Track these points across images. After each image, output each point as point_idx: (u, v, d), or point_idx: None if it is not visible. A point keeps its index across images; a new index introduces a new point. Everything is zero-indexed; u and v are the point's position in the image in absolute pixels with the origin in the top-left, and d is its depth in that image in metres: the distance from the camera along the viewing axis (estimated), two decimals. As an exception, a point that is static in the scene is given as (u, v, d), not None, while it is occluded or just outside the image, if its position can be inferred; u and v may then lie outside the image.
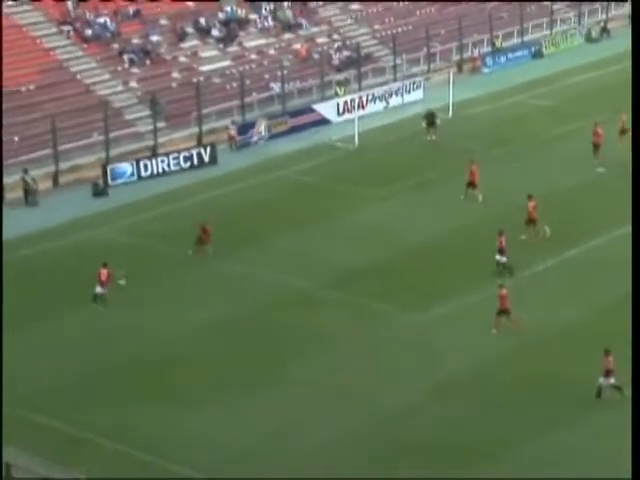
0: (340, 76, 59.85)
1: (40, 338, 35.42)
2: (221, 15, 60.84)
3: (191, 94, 53.90)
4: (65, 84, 53.77)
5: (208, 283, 39.12)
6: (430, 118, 53.42)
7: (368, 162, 50.88)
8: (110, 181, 48.54)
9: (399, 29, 64.77)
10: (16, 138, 49.36)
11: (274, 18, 62.27)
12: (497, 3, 69.49)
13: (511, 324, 34.78)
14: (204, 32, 59.48)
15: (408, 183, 47.82)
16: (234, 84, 56.29)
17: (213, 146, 51.49)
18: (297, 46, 60.95)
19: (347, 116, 55.84)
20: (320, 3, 65.02)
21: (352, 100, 56.90)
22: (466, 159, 46.50)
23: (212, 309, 37.09)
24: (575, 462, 28.76)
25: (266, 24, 61.69)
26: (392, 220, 44.27)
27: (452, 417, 30.90)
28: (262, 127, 53.90)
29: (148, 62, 56.67)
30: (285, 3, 63.34)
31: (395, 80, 60.52)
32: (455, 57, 64.88)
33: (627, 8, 73.07)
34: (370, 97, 57.93)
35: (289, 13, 62.84)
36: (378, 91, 58.58)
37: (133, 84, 55.36)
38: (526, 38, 68.54)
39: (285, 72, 56.97)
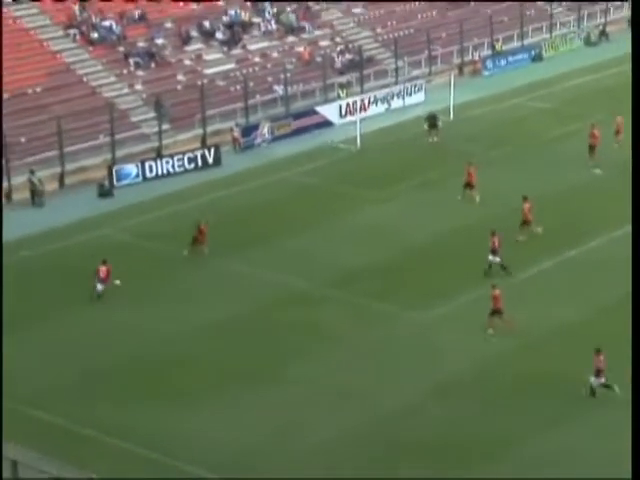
0: (342, 79, 59.69)
1: (42, 337, 35.14)
2: (225, 18, 60.77)
3: (195, 96, 53.70)
4: (71, 86, 53.63)
5: (211, 283, 38.83)
6: (432, 120, 53.23)
7: (370, 163, 50.65)
8: (115, 182, 48.39)
9: (401, 32, 64.64)
10: (23, 139, 49.25)
11: (277, 21, 62.16)
12: (497, 7, 69.06)
13: (504, 324, 34.43)
14: (208, 35, 59.38)
15: (409, 184, 47.59)
16: (238, 87, 56.13)
17: (217, 148, 51.31)
18: (300, 49, 60.83)
19: (349, 118, 55.62)
20: (323, 7, 64.76)
21: (354, 102, 56.83)
22: (467, 161, 46.16)
23: (215, 309, 36.80)
24: (575, 462, 28.41)
25: (269, 27, 61.57)
26: (393, 220, 44.02)
27: (452, 417, 30.53)
28: (265, 129, 53.74)
29: (153, 65, 56.59)
30: (288, 7, 63.19)
31: (397, 83, 60.33)
32: (456, 60, 64.69)
33: (626, 12, 73.24)
34: (372, 99, 57.76)
35: (292, 17, 62.70)
36: (380, 94, 58.41)
37: (138, 86, 55.24)
38: (526, 41, 68.29)
39: (288, 75, 56.79)
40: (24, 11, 56.06)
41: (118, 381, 32.34)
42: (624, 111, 45.50)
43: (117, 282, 37.20)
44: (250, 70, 58.00)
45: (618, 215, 41.11)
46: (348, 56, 61.06)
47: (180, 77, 56.38)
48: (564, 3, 72.60)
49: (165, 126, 52.35)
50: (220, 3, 61.58)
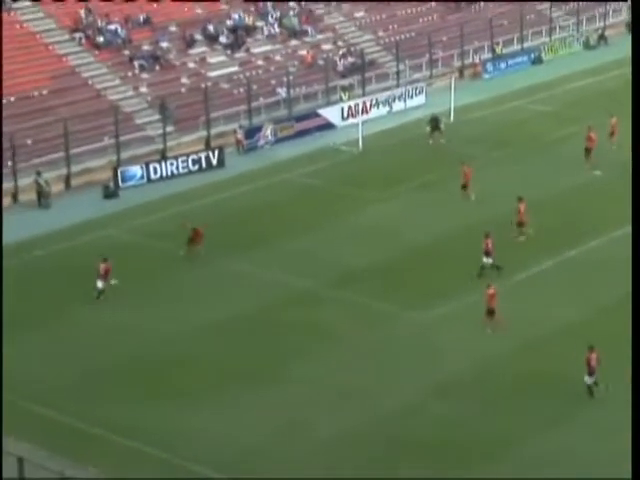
0: (345, 82, 59.42)
1: (44, 337, 34.86)
2: (229, 22, 60.48)
3: (199, 99, 53.49)
4: (77, 89, 53.35)
5: (213, 283, 38.51)
6: (434, 123, 52.95)
7: (371, 165, 50.44)
8: (120, 183, 48.20)
9: (402, 36, 64.28)
10: (29, 141, 48.94)
11: (280, 25, 61.88)
12: (497, 11, 68.70)
13: (495, 323, 34.15)
14: (212, 39, 59.05)
15: (410, 185, 47.36)
16: (241, 89, 55.85)
17: (221, 149, 51.08)
18: (303, 52, 60.51)
19: (351, 120, 55.41)
20: (325, 11, 64.47)
21: (356, 105, 56.68)
22: (467, 162, 45.94)
23: (215, 309, 36.46)
24: (575, 462, 28.06)
25: (272, 31, 61.27)
26: (394, 221, 43.76)
27: (452, 417, 30.13)
28: (268, 131, 53.51)
29: (158, 68, 56.27)
30: (291, 11, 62.89)
31: (398, 86, 60.04)
32: (456, 63, 64.41)
33: (624, 16, 73.01)
34: (374, 102, 57.53)
35: (295, 20, 62.42)
36: (381, 96, 58.18)
37: (143, 89, 54.91)
38: (526, 45, 67.99)
39: (291, 78, 56.51)
40: (31, 15, 55.82)
41: (119, 381, 31.99)
42: (623, 113, 45.15)
43: (113, 282, 36.93)
44: (253, 73, 57.72)
45: (618, 215, 40.87)
46: (350, 59, 60.80)
47: (184, 80, 56.06)
48: (564, 7, 72.23)
49: (169, 128, 52.19)
50: (224, 7, 61.23)
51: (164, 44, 57.21)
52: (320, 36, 62.47)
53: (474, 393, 31.18)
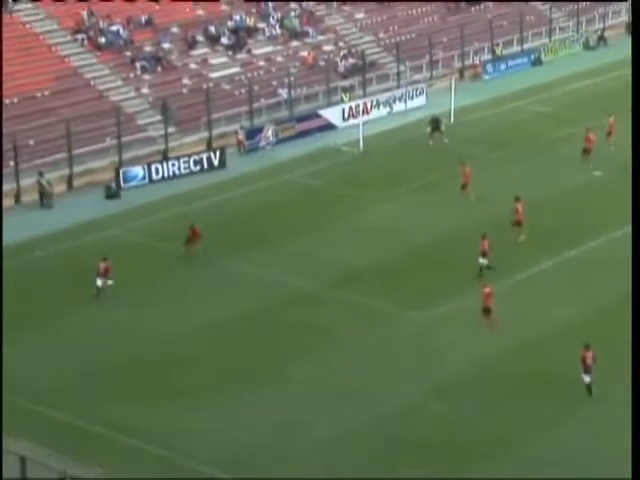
0: (345, 83, 59.30)
1: (45, 337, 34.72)
2: (230, 24, 60.36)
3: (201, 100, 53.35)
4: (79, 90, 53.22)
5: (213, 283, 38.31)
6: (435, 124, 52.74)
7: (372, 166, 50.26)
8: (122, 184, 48.04)
9: (402, 37, 64.12)
10: (32, 142, 48.80)
11: (281, 26, 61.75)
12: (497, 12, 68.58)
13: (490, 323, 33.99)
14: (214, 40, 58.91)
15: (411, 186, 47.17)
16: (243, 90, 55.71)
17: (222, 150, 50.90)
18: (304, 53, 60.36)
19: (352, 121, 55.23)
20: (326, 12, 64.35)
21: (357, 106, 56.52)
22: (467, 162, 45.77)
23: (216, 309, 36.28)
24: (575, 462, 27.86)
25: (274, 32, 61.13)
26: (395, 222, 43.57)
27: (452, 417, 29.92)
28: (270, 132, 53.34)
29: (159, 69, 56.15)
30: (292, 12, 62.76)
31: (399, 87, 59.88)
32: (457, 64, 64.25)
33: (624, 17, 72.88)
34: (374, 103, 57.35)
35: (296, 22, 62.28)
36: (382, 97, 58.00)
37: (145, 90, 54.76)
38: (525, 46, 67.82)
39: (292, 79, 56.35)
40: (33, 16, 55.70)
41: (119, 380, 31.82)
42: (622, 114, 45.00)
43: (109, 282, 36.76)
44: (255, 74, 57.57)
45: (618, 215, 40.68)
46: (351, 60, 60.67)
47: (186, 81, 55.91)
48: (563, 8, 72.06)
49: (171, 129, 52.05)
50: (225, 8, 61.08)
51: (166, 45, 57.08)
52: (321, 37, 62.35)
53: (474, 393, 30.97)
